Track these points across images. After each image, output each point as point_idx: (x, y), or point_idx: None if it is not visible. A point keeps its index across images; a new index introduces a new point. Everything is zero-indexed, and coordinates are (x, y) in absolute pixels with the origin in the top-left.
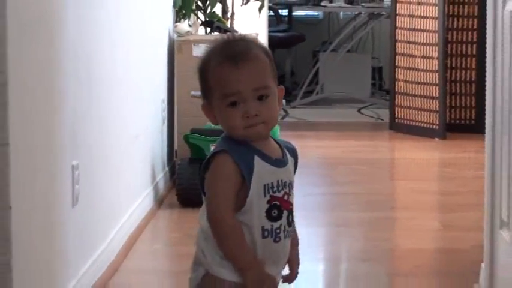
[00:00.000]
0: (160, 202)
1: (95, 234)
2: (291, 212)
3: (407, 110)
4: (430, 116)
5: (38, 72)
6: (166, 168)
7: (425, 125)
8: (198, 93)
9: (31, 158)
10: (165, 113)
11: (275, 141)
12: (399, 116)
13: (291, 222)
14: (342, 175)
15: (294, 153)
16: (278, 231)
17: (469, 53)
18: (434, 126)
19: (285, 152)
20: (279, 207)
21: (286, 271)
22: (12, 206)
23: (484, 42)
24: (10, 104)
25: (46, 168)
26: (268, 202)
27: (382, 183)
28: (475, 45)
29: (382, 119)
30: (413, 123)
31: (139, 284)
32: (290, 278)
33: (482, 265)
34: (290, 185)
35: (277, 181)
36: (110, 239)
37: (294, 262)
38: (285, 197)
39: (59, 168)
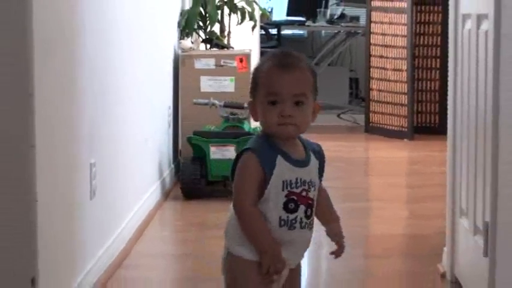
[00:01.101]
0: (166, 195)
1: (110, 223)
2: (309, 207)
3: (380, 115)
4: (399, 120)
5: (59, 84)
6: (172, 166)
7: (395, 128)
8: (200, 100)
9: (54, 158)
10: (171, 118)
11: (303, 143)
12: (373, 121)
13: (309, 216)
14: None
15: (320, 156)
16: (294, 221)
17: (434, 66)
18: (403, 129)
19: (310, 154)
20: (296, 202)
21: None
22: (38, 200)
23: (447, 57)
24: (36, 112)
25: (67, 166)
26: (286, 196)
27: (358, 178)
28: (438, 60)
29: (358, 123)
30: (385, 126)
31: (149, 265)
32: (338, 251)
33: (445, 248)
34: (310, 183)
35: (296, 178)
36: (122, 227)
37: (338, 236)
38: (303, 193)
39: (78, 166)
